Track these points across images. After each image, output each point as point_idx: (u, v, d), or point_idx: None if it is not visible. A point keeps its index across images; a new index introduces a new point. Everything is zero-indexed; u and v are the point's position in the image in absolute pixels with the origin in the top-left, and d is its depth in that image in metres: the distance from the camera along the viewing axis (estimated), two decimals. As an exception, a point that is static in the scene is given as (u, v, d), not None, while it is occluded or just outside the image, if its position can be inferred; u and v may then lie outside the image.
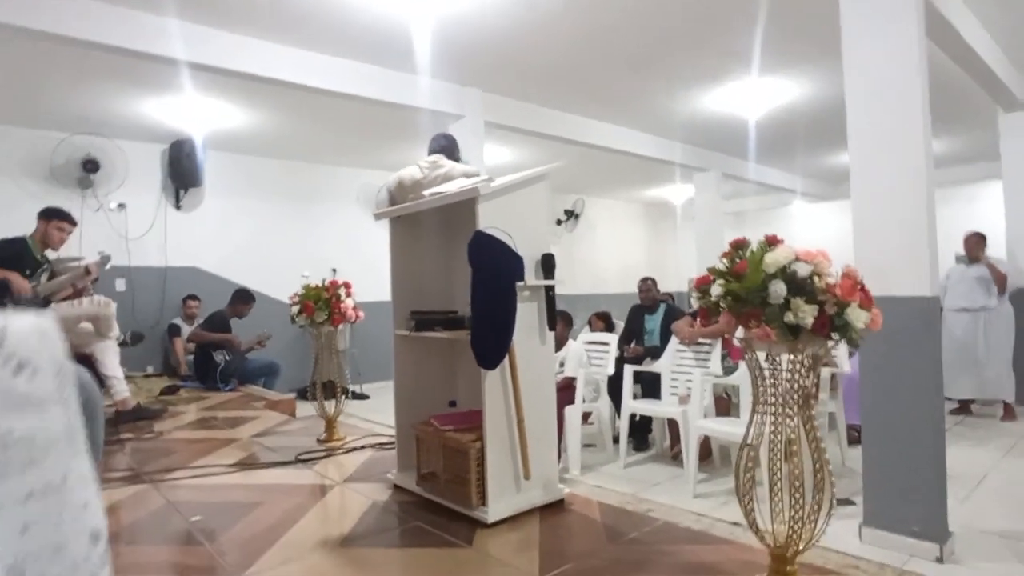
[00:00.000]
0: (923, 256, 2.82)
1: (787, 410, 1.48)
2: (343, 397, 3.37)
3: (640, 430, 4.70)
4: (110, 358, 3.83)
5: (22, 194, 5.55)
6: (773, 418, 1.49)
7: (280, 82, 4.20)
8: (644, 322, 5.23)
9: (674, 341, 4.54)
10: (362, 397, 6.88)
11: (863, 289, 1.44)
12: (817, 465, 1.48)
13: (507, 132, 5.68)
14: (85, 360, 3.82)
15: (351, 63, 4.46)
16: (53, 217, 3.79)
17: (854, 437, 4.21)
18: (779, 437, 1.49)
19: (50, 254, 3.90)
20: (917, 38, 2.81)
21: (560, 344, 4.41)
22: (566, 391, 4.17)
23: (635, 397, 4.59)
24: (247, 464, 2.83)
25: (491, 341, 1.98)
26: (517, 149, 6.92)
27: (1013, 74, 4.80)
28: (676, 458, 4.27)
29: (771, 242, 1.58)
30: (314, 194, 7.54)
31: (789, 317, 1.39)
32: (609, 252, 10.77)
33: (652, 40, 4.32)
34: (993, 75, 4.22)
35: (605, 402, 4.62)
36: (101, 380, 3.82)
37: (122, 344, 4.06)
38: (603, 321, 5.73)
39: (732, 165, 7.73)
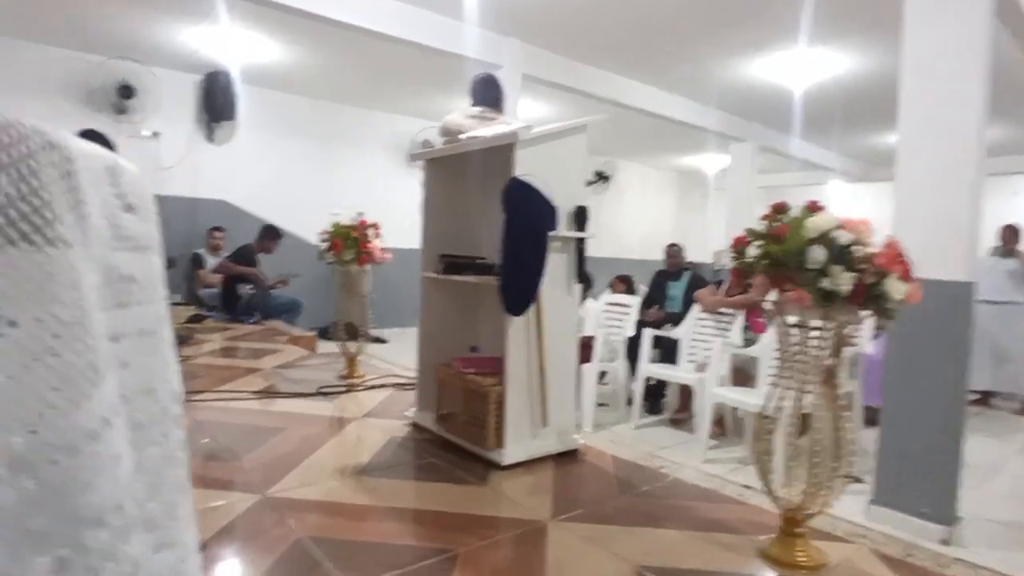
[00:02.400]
0: (962, 242, 2.77)
1: (809, 381, 1.47)
2: (365, 335, 3.40)
3: (655, 394, 4.73)
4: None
5: (56, 115, 5.58)
6: (795, 391, 1.49)
7: (320, 17, 4.14)
8: (667, 288, 5.21)
9: (696, 309, 4.52)
10: (380, 341, 6.98)
11: (904, 261, 1.41)
12: (839, 435, 1.48)
13: (542, 87, 5.58)
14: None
15: (392, 3, 4.39)
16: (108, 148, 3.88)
17: (869, 418, 4.21)
18: (798, 410, 1.49)
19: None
20: (986, 16, 2.68)
21: (580, 303, 4.41)
22: (583, 349, 4.20)
23: (652, 361, 4.60)
24: (270, 392, 2.91)
25: (520, 288, 1.99)
26: (551, 105, 6.79)
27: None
28: (678, 423, 4.32)
29: (813, 208, 1.55)
30: (346, 136, 7.52)
31: (826, 283, 1.37)
32: (636, 218, 10.66)
33: (701, 4, 4.17)
34: (1058, 58, 4.03)
35: (622, 363, 4.64)
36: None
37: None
38: (624, 284, 5.71)
39: (770, 137, 7.54)
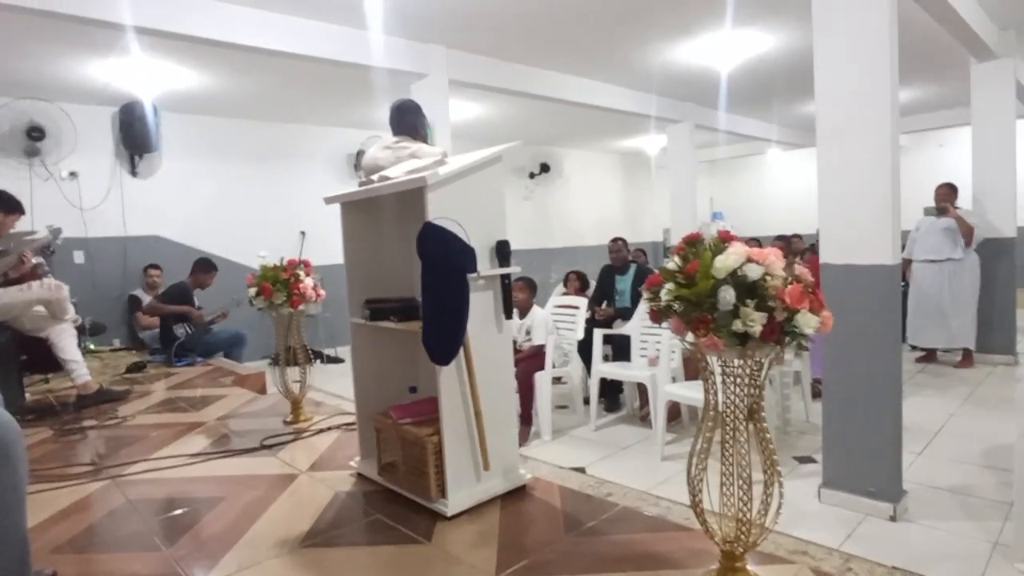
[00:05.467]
0: (886, 226, 2.82)
1: (736, 421, 1.47)
2: (311, 366, 3.25)
3: (611, 391, 4.75)
4: (66, 341, 3.72)
5: (-37, 165, 5.28)
6: (726, 427, 1.49)
7: (227, 44, 3.98)
8: (615, 283, 5.22)
9: (644, 303, 4.53)
10: (337, 361, 6.86)
11: (813, 292, 1.41)
12: (768, 470, 1.48)
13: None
14: (41, 344, 3.73)
15: (305, 22, 4.24)
16: (14, 210, 3.67)
17: (818, 391, 4.31)
18: (731, 443, 1.49)
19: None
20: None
21: (524, 312, 4.39)
22: (535, 358, 4.18)
23: (606, 358, 4.62)
24: (211, 453, 2.80)
25: (443, 337, 1.94)
26: (485, 105, 6.71)
27: (987, 24, 4.71)
28: (645, 419, 4.34)
29: (724, 238, 1.53)
30: (280, 154, 7.29)
31: (738, 325, 1.36)
32: (584, 204, 10.68)
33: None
34: (967, 27, 4.13)
35: (576, 364, 4.64)
36: (60, 363, 3.74)
37: (80, 329, 3.95)
38: (579, 280, 5.71)
39: (706, 116, 7.60)
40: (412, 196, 2.10)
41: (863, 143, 2.80)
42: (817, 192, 2.97)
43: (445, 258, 1.92)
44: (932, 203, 5.46)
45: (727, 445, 1.51)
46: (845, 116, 2.85)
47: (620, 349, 4.63)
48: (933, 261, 5.42)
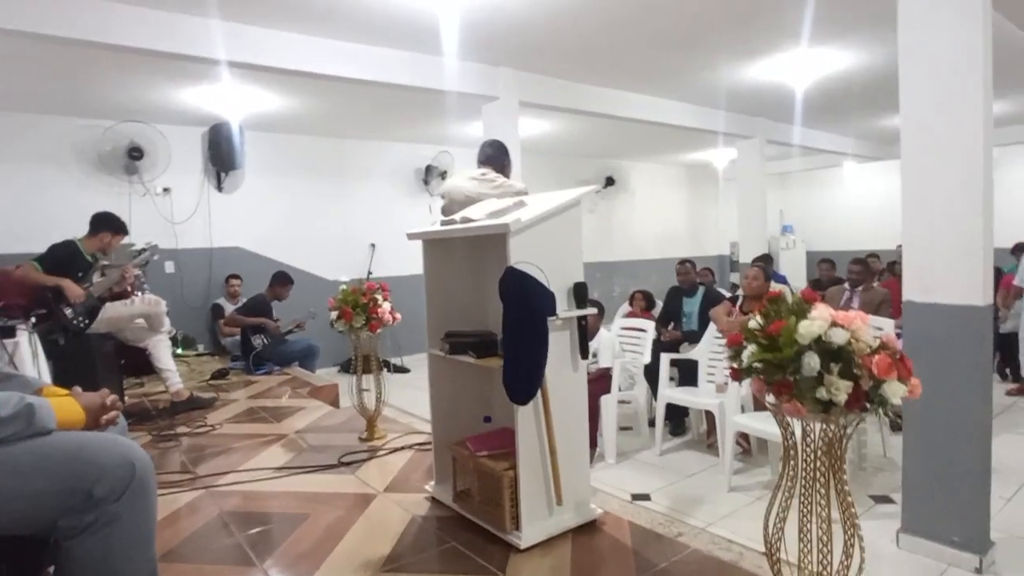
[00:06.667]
0: (977, 260, 2.69)
1: (816, 483, 1.47)
2: (384, 384, 3.36)
3: (677, 415, 4.71)
4: (163, 351, 4.02)
5: (73, 182, 5.75)
6: (802, 497, 1.49)
7: (310, 74, 4.20)
8: (682, 305, 5.18)
9: (712, 327, 4.49)
10: (403, 370, 7.07)
11: (902, 359, 1.40)
12: (848, 532, 1.47)
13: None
14: (138, 352, 4.03)
15: (382, 50, 4.42)
16: (120, 232, 3.98)
17: (898, 424, 4.15)
18: (807, 521, 1.49)
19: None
20: (981, 9, 2.59)
21: (592, 334, 4.41)
22: (601, 381, 4.20)
23: (672, 381, 4.59)
24: (293, 468, 2.97)
25: (523, 378, 2.01)
26: (552, 121, 6.78)
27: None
28: (712, 447, 4.29)
29: (807, 299, 1.53)
30: (353, 169, 7.59)
31: (822, 393, 1.36)
32: (649, 217, 10.58)
33: (690, 18, 4.14)
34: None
35: (642, 387, 4.63)
36: (156, 371, 4.04)
37: (173, 341, 4.25)
38: (645, 300, 5.69)
39: (778, 131, 7.43)
40: (493, 234, 2.18)
41: (952, 163, 2.68)
42: (901, 219, 2.87)
43: (526, 302, 1.99)
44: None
45: (805, 504, 1.51)
46: (934, 134, 2.73)
47: (687, 372, 4.60)
48: None
